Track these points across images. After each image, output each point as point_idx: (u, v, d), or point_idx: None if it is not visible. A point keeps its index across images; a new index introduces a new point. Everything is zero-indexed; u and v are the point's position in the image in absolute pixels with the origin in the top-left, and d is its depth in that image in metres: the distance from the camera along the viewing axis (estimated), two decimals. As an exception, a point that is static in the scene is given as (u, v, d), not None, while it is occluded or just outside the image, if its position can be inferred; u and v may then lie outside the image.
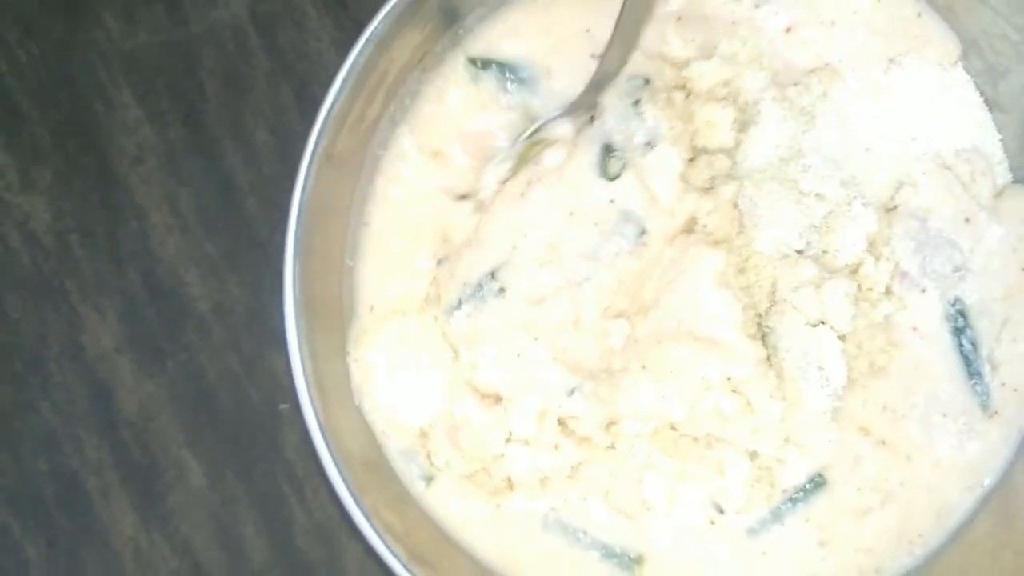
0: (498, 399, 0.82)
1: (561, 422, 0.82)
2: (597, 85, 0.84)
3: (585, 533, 0.83)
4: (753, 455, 0.81)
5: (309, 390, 0.76)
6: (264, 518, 0.92)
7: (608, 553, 0.83)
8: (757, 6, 0.86)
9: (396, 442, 0.84)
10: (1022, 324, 0.83)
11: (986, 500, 0.82)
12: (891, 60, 0.85)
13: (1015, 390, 0.82)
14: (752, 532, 0.82)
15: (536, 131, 0.85)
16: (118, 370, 0.93)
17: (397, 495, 0.83)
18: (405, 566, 0.75)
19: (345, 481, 0.75)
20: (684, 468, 0.81)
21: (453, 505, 0.84)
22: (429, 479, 0.84)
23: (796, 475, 0.81)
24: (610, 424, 0.81)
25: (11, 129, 0.95)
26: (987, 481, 0.82)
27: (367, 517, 0.75)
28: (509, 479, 0.83)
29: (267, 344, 0.92)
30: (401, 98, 0.85)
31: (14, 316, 0.94)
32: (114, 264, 0.94)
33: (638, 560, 0.82)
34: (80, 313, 0.94)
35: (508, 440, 0.82)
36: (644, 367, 0.79)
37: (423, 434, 0.84)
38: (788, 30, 0.86)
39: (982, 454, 0.82)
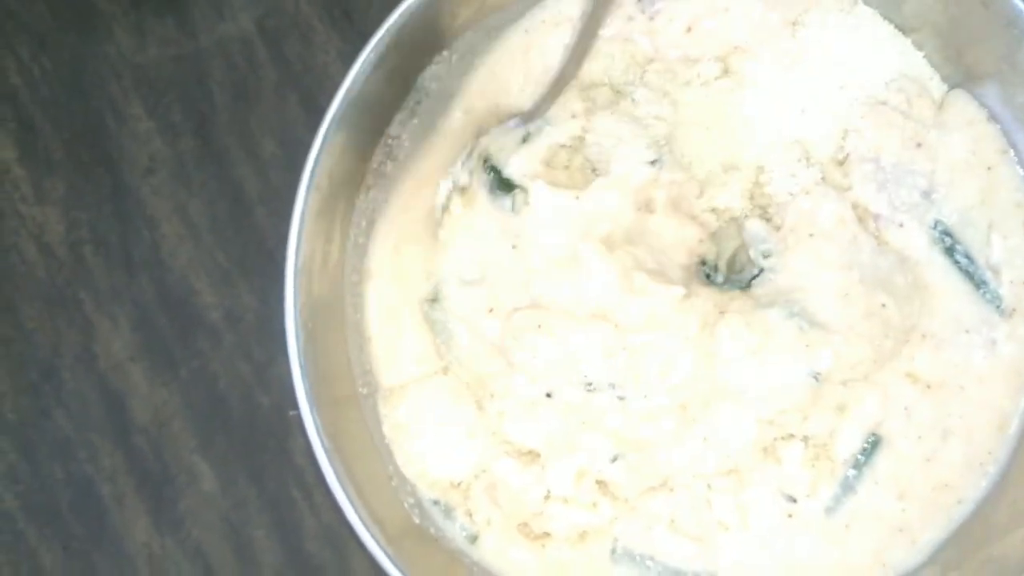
0: (535, 456, 0.82)
1: (600, 482, 0.81)
2: (554, 93, 0.84)
3: (653, 560, 0.81)
4: (805, 437, 0.80)
5: (310, 401, 0.78)
6: (274, 522, 0.92)
7: None
8: (651, 18, 0.86)
9: (428, 493, 0.84)
10: (1006, 220, 0.82)
11: None
12: (794, 23, 0.85)
13: None
14: (830, 511, 0.80)
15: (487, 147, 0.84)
16: (131, 378, 0.94)
17: (444, 555, 0.83)
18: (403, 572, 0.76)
19: (341, 483, 0.76)
20: (743, 476, 0.80)
21: (511, 554, 0.82)
22: (474, 537, 0.83)
23: (851, 442, 0.80)
24: (655, 488, 0.81)
25: (25, 142, 0.96)
26: None
27: (364, 523, 0.75)
28: (547, 533, 0.82)
29: (277, 350, 0.92)
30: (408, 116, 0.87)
31: (29, 326, 0.95)
32: (127, 274, 0.95)
33: None
34: (93, 322, 0.95)
35: (547, 498, 0.81)
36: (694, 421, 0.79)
37: (454, 486, 0.83)
38: (689, 30, 0.85)
39: (1017, 353, 0.81)
